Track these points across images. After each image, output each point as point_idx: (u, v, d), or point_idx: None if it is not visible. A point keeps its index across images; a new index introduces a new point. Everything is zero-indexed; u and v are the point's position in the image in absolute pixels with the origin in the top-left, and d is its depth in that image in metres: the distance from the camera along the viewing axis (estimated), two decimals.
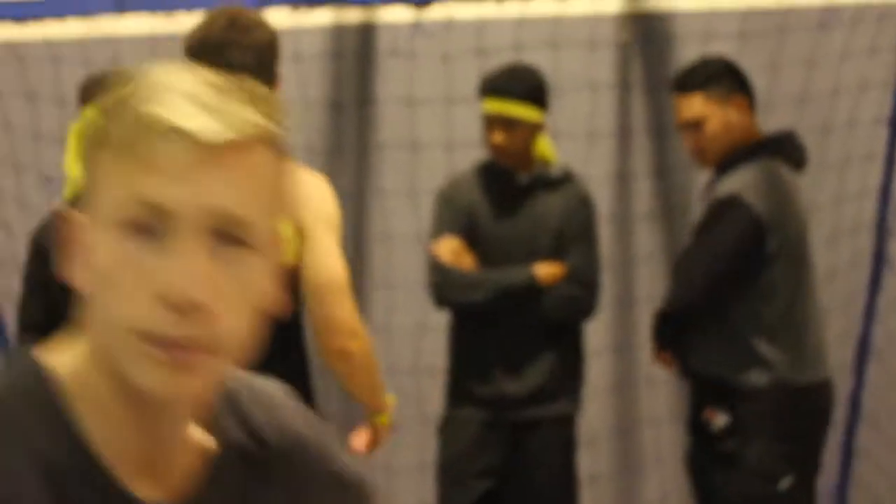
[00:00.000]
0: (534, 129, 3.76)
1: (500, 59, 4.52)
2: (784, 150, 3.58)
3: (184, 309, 1.06)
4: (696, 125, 3.53)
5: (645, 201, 4.59)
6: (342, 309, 2.84)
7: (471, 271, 3.69)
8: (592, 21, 4.47)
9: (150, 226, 1.07)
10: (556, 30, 4.48)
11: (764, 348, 3.50)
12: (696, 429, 3.57)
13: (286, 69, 4.58)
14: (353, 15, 4.57)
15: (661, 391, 4.58)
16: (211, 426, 1.25)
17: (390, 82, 4.60)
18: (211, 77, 1.12)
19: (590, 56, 4.51)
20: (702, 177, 4.55)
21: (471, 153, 3.89)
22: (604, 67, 4.58)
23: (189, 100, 1.08)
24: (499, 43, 4.51)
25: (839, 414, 4.51)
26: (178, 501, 1.21)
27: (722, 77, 3.56)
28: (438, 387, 4.02)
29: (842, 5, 4.35)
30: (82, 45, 4.35)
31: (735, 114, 3.56)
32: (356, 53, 4.62)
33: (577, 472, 3.90)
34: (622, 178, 4.59)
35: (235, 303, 1.09)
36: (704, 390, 3.55)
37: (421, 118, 4.35)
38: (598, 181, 4.55)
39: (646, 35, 4.60)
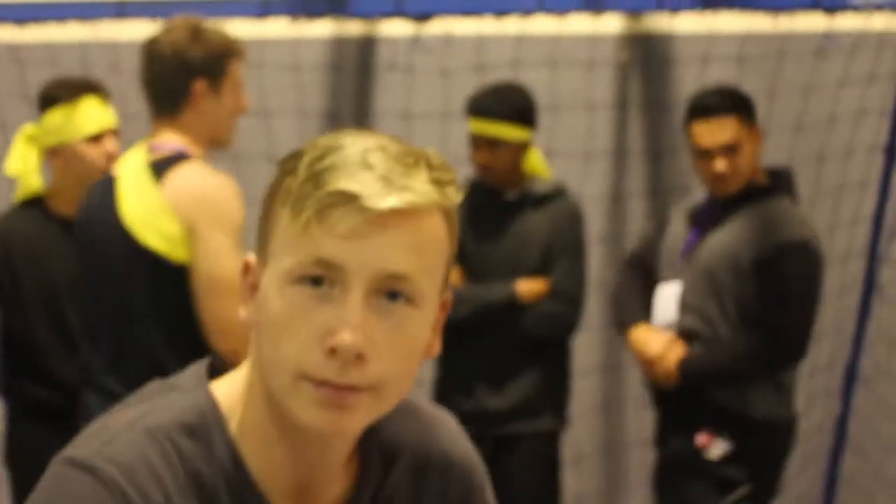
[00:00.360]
0: (520, 148, 3.78)
1: (498, 76, 4.53)
2: (792, 186, 3.62)
3: (345, 357, 1.18)
4: (731, 149, 3.50)
5: (639, 222, 4.59)
6: (230, 310, 2.75)
7: (454, 287, 3.70)
8: (592, 40, 4.48)
9: (320, 279, 1.20)
10: (555, 48, 4.49)
11: (775, 382, 3.52)
12: (684, 450, 3.56)
13: (284, 79, 4.59)
14: (352, 28, 4.58)
15: (650, 412, 4.58)
16: (357, 457, 1.36)
17: (388, 96, 4.60)
18: (390, 145, 1.23)
19: (588, 75, 4.52)
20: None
21: (466, 168, 3.89)
22: (602, 87, 4.59)
23: (365, 168, 1.19)
24: (497, 59, 4.51)
25: (825, 441, 4.51)
26: None
27: (750, 105, 3.56)
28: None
29: (841, 32, 4.36)
30: (82, 49, 4.35)
31: (759, 145, 3.57)
32: (355, 66, 4.62)
33: (559, 490, 3.90)
34: (617, 199, 4.59)
35: (392, 352, 1.21)
36: (701, 415, 3.54)
37: (418, 132, 4.35)
38: (593, 201, 4.56)
39: (645, 56, 4.61)
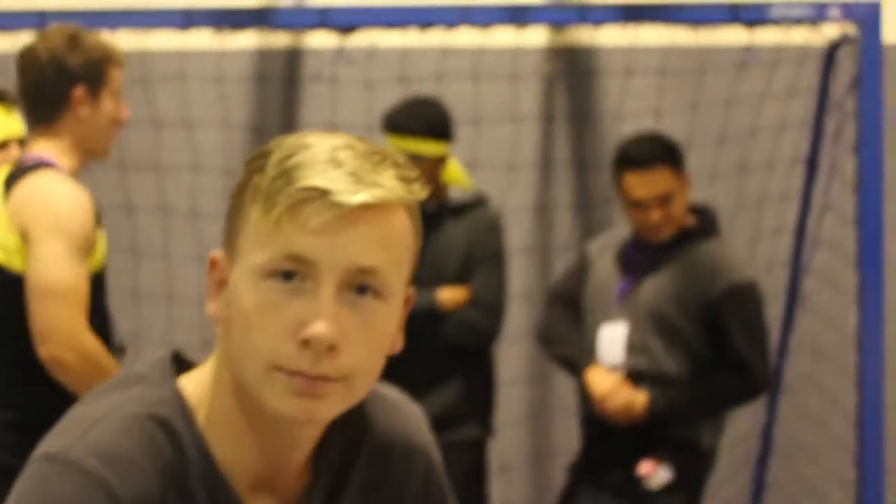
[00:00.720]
0: (437, 161, 3.79)
1: (422, 88, 4.53)
2: (717, 225, 3.66)
3: (317, 348, 1.21)
4: (665, 199, 3.51)
5: (564, 233, 4.61)
6: (56, 316, 2.75)
7: None
8: (516, 53, 4.50)
9: (292, 273, 1.23)
10: (479, 60, 4.50)
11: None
12: (621, 479, 3.56)
13: (208, 91, 4.56)
14: (277, 39, 4.56)
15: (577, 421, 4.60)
16: (320, 447, 1.39)
17: (313, 108, 4.59)
18: (357, 144, 1.26)
19: (513, 87, 4.53)
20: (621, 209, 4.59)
21: None
22: (526, 99, 4.61)
23: (334, 165, 1.23)
24: (422, 72, 4.52)
25: (752, 448, 4.55)
26: None
27: (679, 153, 3.57)
28: None
29: (761, 46, 4.41)
30: (4, 60, 4.30)
31: (688, 190, 3.61)
32: (280, 78, 4.60)
33: (486, 499, 3.90)
34: (542, 210, 4.61)
35: (362, 344, 1.25)
36: (647, 445, 3.54)
37: None
38: (519, 212, 4.57)
39: (569, 68, 4.64)
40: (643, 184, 3.48)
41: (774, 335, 4.40)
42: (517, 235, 4.59)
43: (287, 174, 1.23)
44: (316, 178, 1.22)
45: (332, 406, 1.26)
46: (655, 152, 3.50)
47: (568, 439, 4.58)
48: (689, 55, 4.52)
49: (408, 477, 1.48)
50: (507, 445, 4.59)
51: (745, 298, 3.54)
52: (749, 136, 4.54)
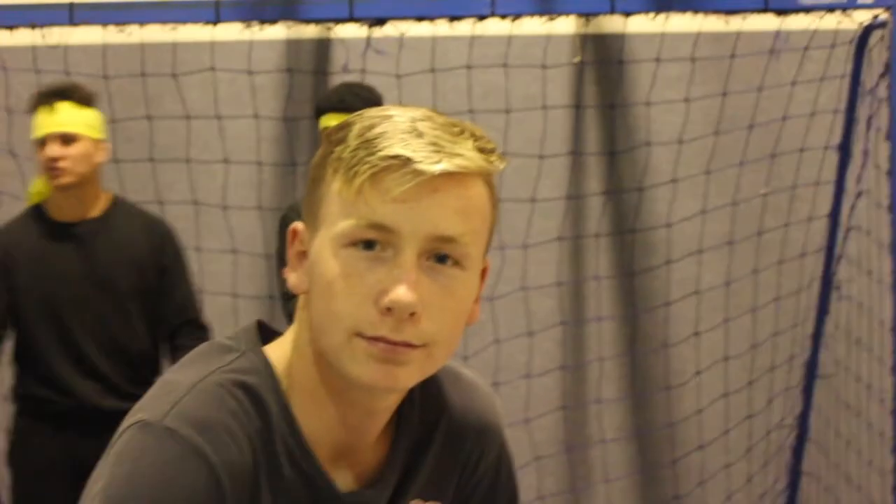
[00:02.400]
0: None
1: (452, 78, 4.52)
2: None
3: (399, 315, 1.23)
4: None
5: (595, 222, 4.59)
6: None
7: None
8: (546, 41, 4.48)
9: (373, 242, 1.25)
10: (509, 49, 4.49)
11: None
12: None
13: (238, 84, 4.56)
14: (307, 31, 4.55)
15: (610, 410, 4.59)
16: (398, 423, 1.43)
17: None
18: (436, 116, 1.28)
19: (543, 76, 4.51)
20: (651, 197, 4.56)
21: None
22: (556, 87, 4.59)
23: (415, 135, 1.25)
24: (451, 62, 4.51)
25: (787, 436, 4.53)
26: (365, 488, 1.39)
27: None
28: None
29: (793, 31, 4.38)
30: (33, 54, 4.31)
31: None
32: (310, 70, 4.60)
33: None
34: (573, 198, 4.59)
35: (442, 312, 1.26)
36: None
37: None
38: (549, 201, 4.56)
39: (599, 56, 4.62)
40: None
41: (809, 323, 4.38)
42: (547, 224, 4.58)
43: (369, 144, 1.25)
44: (397, 147, 1.23)
45: (412, 373, 1.28)
46: None
47: (600, 430, 4.58)
48: (719, 41, 4.49)
49: (481, 455, 1.52)
50: (540, 434, 4.59)
51: None
52: (780, 122, 4.51)
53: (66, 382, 3.65)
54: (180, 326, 3.79)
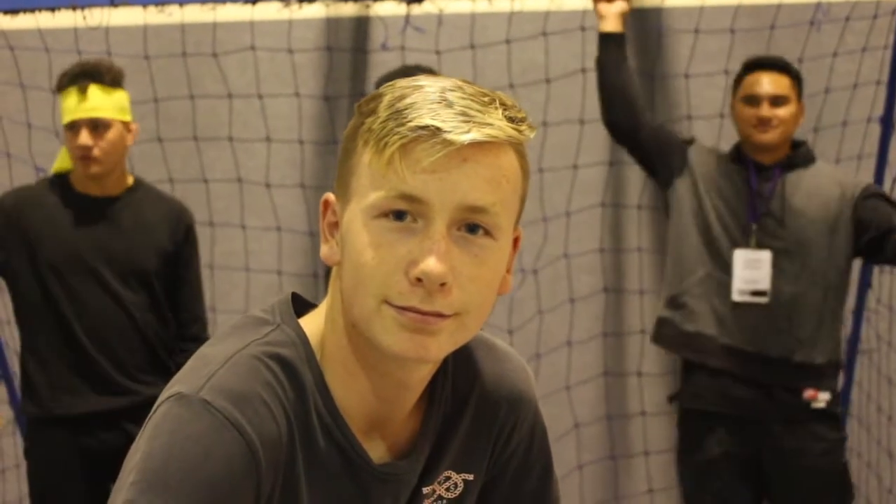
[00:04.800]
0: None
1: (491, 53, 4.52)
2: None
3: (430, 286, 1.23)
4: (780, 101, 3.74)
5: (636, 190, 4.58)
6: None
7: None
8: (584, 14, 4.47)
9: (404, 213, 1.25)
10: (547, 23, 4.48)
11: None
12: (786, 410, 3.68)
13: (278, 62, 4.58)
14: (345, 9, 4.57)
15: (652, 382, 4.60)
16: (430, 394, 1.44)
17: None
18: (466, 86, 1.28)
19: (582, 50, 4.50)
20: None
21: None
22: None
23: (445, 105, 1.25)
24: (490, 37, 4.51)
25: None
26: (398, 459, 1.41)
27: (801, 82, 3.84)
28: None
29: (833, 2, 4.34)
30: (74, 36, 4.35)
31: (800, 115, 3.82)
32: (349, 48, 4.61)
33: None
34: (614, 166, 4.58)
35: (473, 281, 1.27)
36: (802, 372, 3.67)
37: None
38: (590, 168, 4.56)
39: (638, 28, 4.60)
40: (764, 81, 3.75)
41: (851, 297, 4.36)
42: (589, 192, 4.58)
43: (399, 115, 1.25)
44: (427, 117, 1.24)
45: (444, 343, 1.29)
46: (781, 62, 3.82)
47: (641, 402, 4.58)
48: (759, 13, 4.46)
49: (515, 426, 1.52)
50: (580, 404, 4.60)
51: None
52: (822, 95, 4.48)
53: (85, 358, 3.62)
54: (186, 324, 3.78)
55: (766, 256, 3.65)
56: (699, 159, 3.82)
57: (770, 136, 3.72)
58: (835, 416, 3.73)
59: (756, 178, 3.73)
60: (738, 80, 3.83)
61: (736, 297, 3.67)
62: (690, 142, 3.89)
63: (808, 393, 3.66)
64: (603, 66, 3.88)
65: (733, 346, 3.67)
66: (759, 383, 3.68)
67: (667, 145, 3.83)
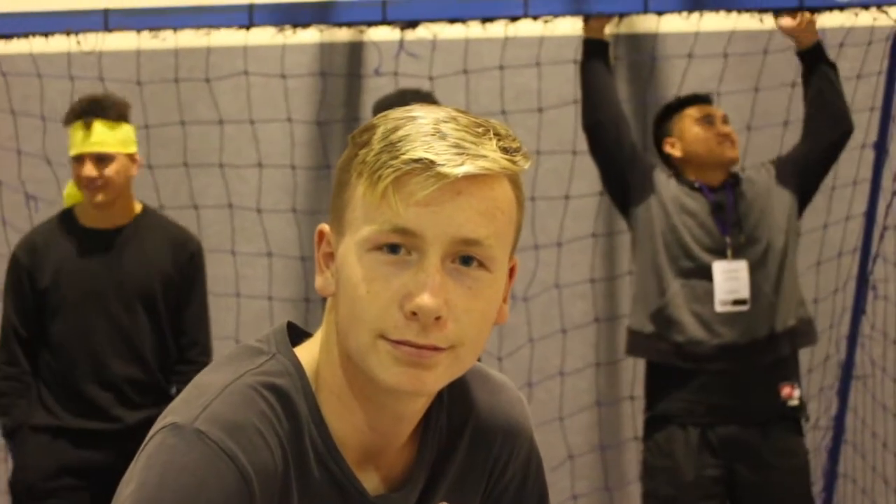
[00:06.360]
0: None
1: (485, 79, 4.51)
2: None
3: (424, 320, 1.23)
4: (727, 121, 3.90)
5: None
6: None
7: None
8: (577, 41, 4.46)
9: (398, 246, 1.25)
10: (541, 50, 4.48)
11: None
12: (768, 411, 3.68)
13: (272, 87, 4.57)
14: (339, 35, 4.56)
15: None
16: (425, 425, 1.43)
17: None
18: (460, 116, 1.28)
19: (575, 76, 4.50)
20: None
21: None
22: None
23: (438, 137, 1.24)
24: (484, 63, 4.50)
25: (823, 437, 4.50)
26: (392, 490, 1.39)
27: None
28: None
29: (828, 28, 4.35)
30: (67, 61, 4.34)
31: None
32: (342, 73, 4.61)
33: None
34: (606, 196, 4.57)
35: (468, 314, 1.26)
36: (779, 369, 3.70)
37: None
38: (583, 198, 4.55)
39: (631, 54, 4.60)
40: (714, 110, 3.90)
41: (845, 323, 4.35)
42: (581, 221, 4.57)
43: (392, 147, 1.24)
44: (420, 150, 1.23)
45: (439, 376, 1.28)
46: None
47: (634, 428, 4.56)
48: (752, 39, 4.46)
49: (510, 458, 1.51)
50: (574, 434, 4.58)
51: None
52: None
53: (83, 387, 3.67)
54: (185, 348, 3.80)
55: (742, 266, 3.68)
56: (662, 181, 3.84)
57: (736, 153, 3.82)
58: (800, 426, 3.74)
59: (713, 197, 3.76)
60: (672, 113, 3.94)
61: (718, 307, 3.67)
62: (654, 166, 3.92)
63: (785, 391, 3.67)
64: (587, 68, 3.87)
65: (725, 343, 3.66)
66: (743, 383, 3.67)
67: (642, 163, 3.86)
